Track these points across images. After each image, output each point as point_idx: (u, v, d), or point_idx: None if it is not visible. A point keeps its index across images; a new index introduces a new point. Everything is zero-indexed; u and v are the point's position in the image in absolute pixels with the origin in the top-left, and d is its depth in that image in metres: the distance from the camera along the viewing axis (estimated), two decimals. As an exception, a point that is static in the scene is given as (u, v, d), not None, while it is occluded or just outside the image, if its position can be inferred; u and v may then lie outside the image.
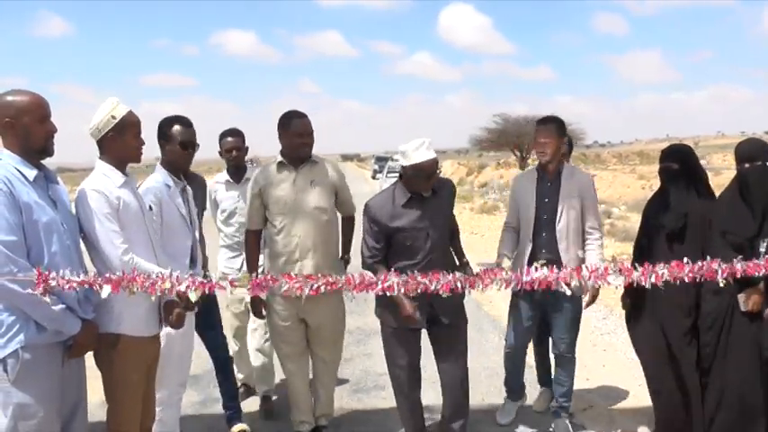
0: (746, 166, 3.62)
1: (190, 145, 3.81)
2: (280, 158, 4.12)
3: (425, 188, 3.77)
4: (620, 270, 2.57)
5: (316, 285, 2.56)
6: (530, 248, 4.19)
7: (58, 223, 2.85)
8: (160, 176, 3.71)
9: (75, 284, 2.51)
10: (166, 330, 3.41)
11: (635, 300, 4.03)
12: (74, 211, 3.03)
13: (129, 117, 3.14)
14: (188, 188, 3.84)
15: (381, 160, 30.37)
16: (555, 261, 3.83)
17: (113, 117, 3.10)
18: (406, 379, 3.93)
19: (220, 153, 4.84)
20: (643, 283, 2.53)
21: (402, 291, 2.59)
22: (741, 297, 3.55)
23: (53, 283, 2.49)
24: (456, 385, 3.93)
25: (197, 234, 3.81)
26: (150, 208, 3.42)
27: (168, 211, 3.61)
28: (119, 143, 3.12)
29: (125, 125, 3.12)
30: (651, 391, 4.08)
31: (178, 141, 3.76)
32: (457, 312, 3.89)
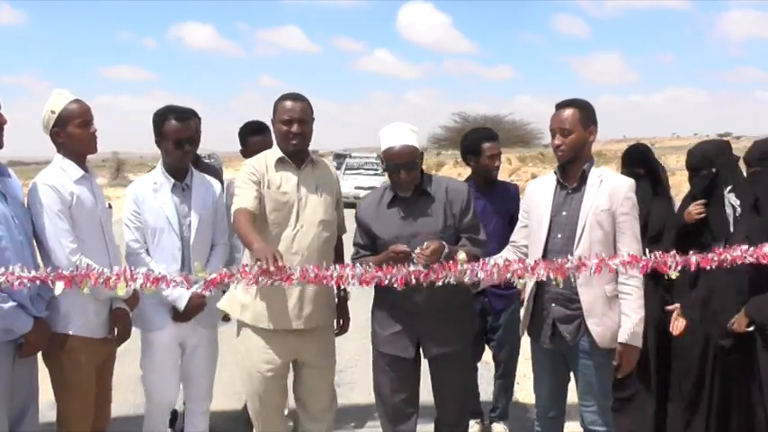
0: (692, 174, 3.77)
1: (186, 142, 3.49)
2: (278, 153, 3.40)
3: (399, 184, 3.25)
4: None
5: (270, 281, 2.57)
6: (535, 279, 3.12)
7: (8, 218, 2.82)
8: (152, 174, 3.55)
9: (26, 281, 2.45)
10: (187, 341, 3.52)
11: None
12: (27, 205, 3.01)
13: (70, 108, 3.07)
14: (192, 187, 3.54)
15: (339, 157, 30.40)
16: (571, 300, 3.18)
17: (53, 112, 3.07)
18: (390, 411, 3.39)
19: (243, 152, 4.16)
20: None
21: (357, 283, 2.64)
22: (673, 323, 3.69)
23: (2, 280, 2.43)
24: (446, 427, 3.49)
25: (192, 237, 3.48)
26: (110, 206, 3.37)
27: (149, 211, 3.46)
28: (64, 137, 3.08)
29: (67, 118, 3.07)
30: None
31: (172, 139, 3.45)
32: (449, 342, 3.31)
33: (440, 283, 2.70)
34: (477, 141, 4.24)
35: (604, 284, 3.13)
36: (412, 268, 2.69)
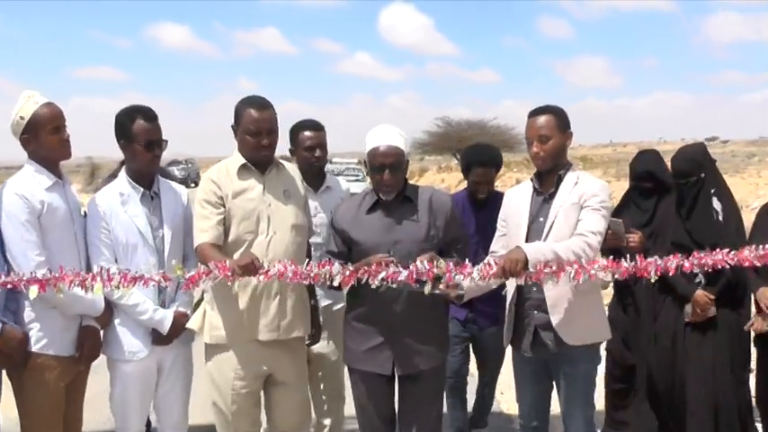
0: (681, 182, 3.84)
1: (156, 144, 3.30)
2: (240, 160, 3.33)
3: (381, 187, 3.19)
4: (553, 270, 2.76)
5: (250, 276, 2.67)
6: (515, 285, 3.24)
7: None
8: (117, 184, 3.34)
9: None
10: (164, 362, 3.35)
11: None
12: None
13: (41, 113, 3.01)
14: (160, 196, 3.38)
15: None
16: (543, 302, 3.23)
17: (22, 118, 3.01)
18: (376, 429, 3.34)
19: (292, 151, 4.03)
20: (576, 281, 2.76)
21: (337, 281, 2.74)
22: (687, 308, 3.81)
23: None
24: None
25: (167, 251, 3.30)
26: (85, 214, 3.28)
27: (119, 226, 3.24)
28: (35, 144, 3.04)
29: (37, 124, 3.01)
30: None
31: (142, 141, 3.25)
32: (425, 358, 3.24)
33: (427, 289, 2.77)
34: (469, 163, 4.26)
35: (569, 282, 3.04)
36: (392, 269, 2.76)
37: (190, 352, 3.55)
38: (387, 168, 3.15)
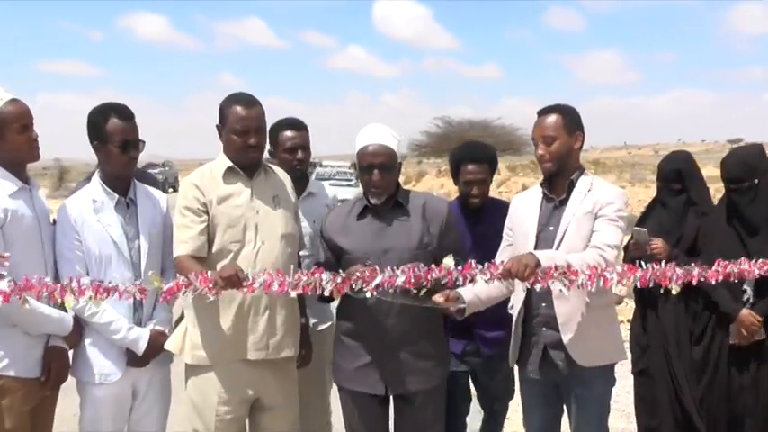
0: (733, 187, 3.77)
1: (132, 145, 3.22)
2: (226, 162, 3.28)
3: (371, 188, 3.17)
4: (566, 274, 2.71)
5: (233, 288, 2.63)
6: (523, 297, 3.22)
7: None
8: (89, 190, 3.25)
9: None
10: (140, 385, 3.27)
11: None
12: None
13: (6, 111, 2.95)
14: (137, 203, 3.30)
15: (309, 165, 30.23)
16: (553, 319, 3.18)
17: None
18: None
19: (272, 153, 3.90)
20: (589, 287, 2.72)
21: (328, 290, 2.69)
22: (732, 327, 3.72)
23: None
24: None
25: (144, 264, 3.21)
26: (54, 222, 3.21)
27: (91, 237, 3.16)
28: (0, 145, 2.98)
29: (2, 122, 2.96)
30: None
31: (117, 141, 3.16)
32: (423, 377, 3.21)
33: (427, 298, 2.76)
34: (456, 161, 3.88)
35: (583, 296, 3.06)
36: (388, 274, 2.71)
37: (168, 374, 3.49)
38: (376, 168, 3.12)
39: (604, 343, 3.22)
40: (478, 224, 3.79)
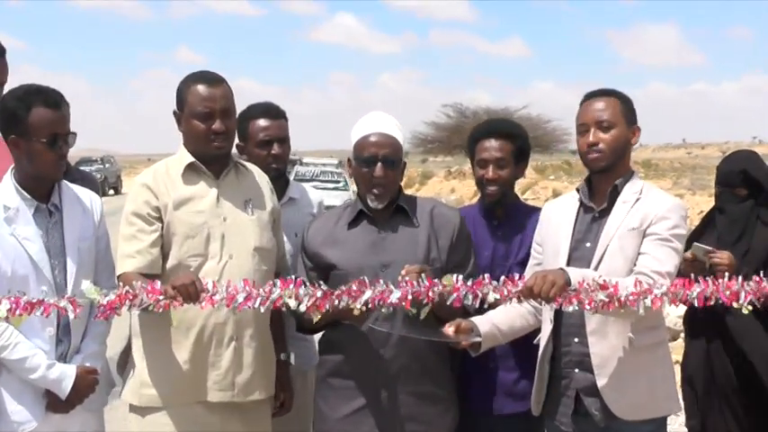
0: None
1: (62, 139, 3.15)
2: (186, 158, 3.31)
3: (370, 186, 3.19)
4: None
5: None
6: (550, 329, 3.24)
7: None
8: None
9: None
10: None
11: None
12: None
13: None
14: (62, 209, 3.25)
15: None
16: (587, 358, 3.18)
17: None
18: None
19: (241, 147, 3.91)
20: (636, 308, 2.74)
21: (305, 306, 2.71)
22: None
23: None
24: None
25: (71, 286, 3.14)
26: None
27: (0, 251, 3.11)
28: None
29: None
30: None
31: (44, 135, 3.09)
32: (428, 424, 3.25)
33: (434, 329, 2.83)
34: (473, 140, 3.71)
35: (626, 332, 3.08)
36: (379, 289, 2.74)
37: (101, 420, 3.49)
38: (379, 161, 3.17)
39: (651, 390, 3.21)
40: (500, 229, 3.65)
